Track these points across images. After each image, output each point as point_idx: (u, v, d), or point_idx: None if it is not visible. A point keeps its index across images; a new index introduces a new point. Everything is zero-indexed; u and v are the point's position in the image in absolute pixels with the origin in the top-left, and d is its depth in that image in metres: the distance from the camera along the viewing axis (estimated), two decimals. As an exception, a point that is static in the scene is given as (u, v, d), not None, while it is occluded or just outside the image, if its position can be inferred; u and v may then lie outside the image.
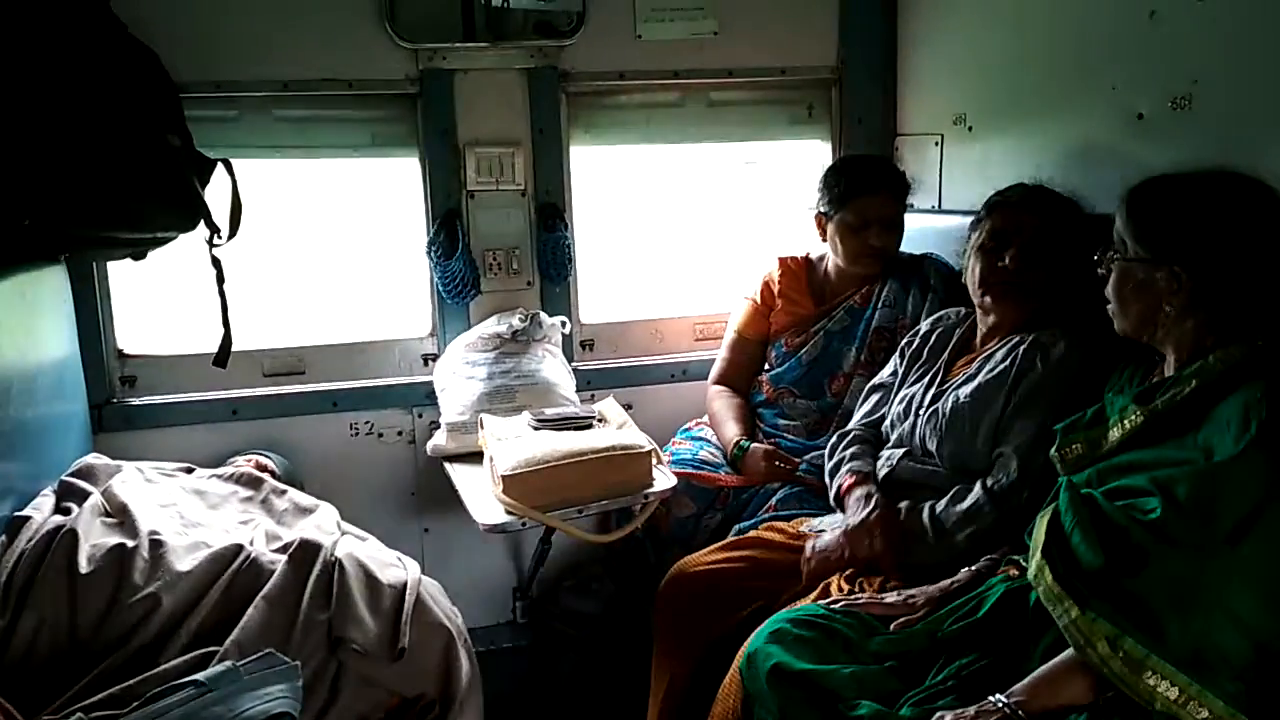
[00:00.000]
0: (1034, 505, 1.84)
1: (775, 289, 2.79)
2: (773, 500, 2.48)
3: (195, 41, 2.55)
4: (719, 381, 2.86)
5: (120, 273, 2.70)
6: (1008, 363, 2.09)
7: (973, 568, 1.93)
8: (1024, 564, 1.76)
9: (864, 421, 2.40)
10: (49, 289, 2.34)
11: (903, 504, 2.12)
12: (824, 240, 2.71)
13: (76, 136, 2.04)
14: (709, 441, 2.75)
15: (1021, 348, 2.09)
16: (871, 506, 2.13)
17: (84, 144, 2.05)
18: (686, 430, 2.86)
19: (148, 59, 2.23)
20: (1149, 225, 1.69)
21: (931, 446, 2.14)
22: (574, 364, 2.97)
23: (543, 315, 2.86)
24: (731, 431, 2.67)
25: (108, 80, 2.11)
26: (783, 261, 2.82)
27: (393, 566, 1.97)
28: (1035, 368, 2.05)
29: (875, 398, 2.42)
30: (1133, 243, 1.70)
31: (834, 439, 2.40)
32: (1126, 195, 1.75)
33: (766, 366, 2.79)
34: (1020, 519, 1.91)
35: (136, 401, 2.74)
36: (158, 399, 2.75)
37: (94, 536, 1.87)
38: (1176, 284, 1.64)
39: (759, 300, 2.82)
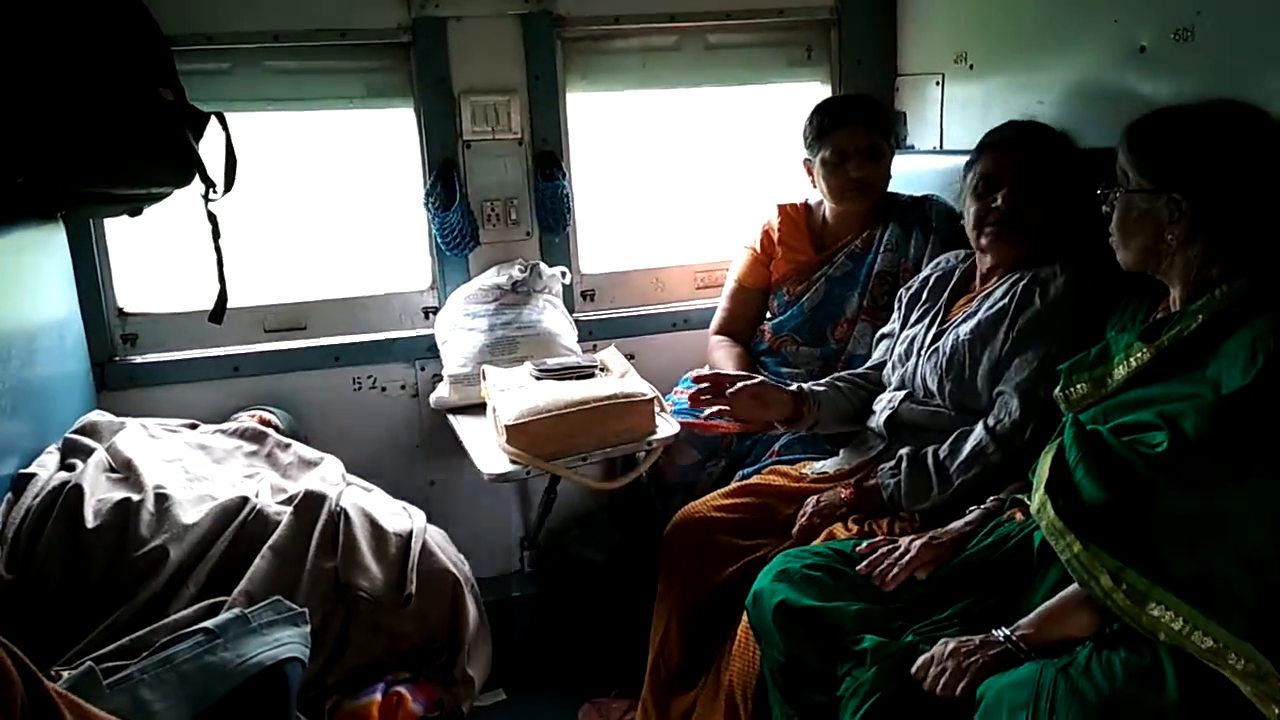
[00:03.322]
0: (1038, 442, 1.84)
1: (775, 237, 2.77)
2: (776, 445, 2.49)
3: (185, -8, 2.51)
4: (720, 331, 2.85)
5: (118, 231, 2.68)
6: (1007, 299, 2.08)
7: (982, 506, 1.93)
8: (1029, 502, 1.76)
9: (870, 366, 2.40)
10: (47, 247, 2.34)
11: (905, 450, 2.12)
12: (814, 186, 2.69)
13: (68, 91, 2.01)
14: None
15: (1020, 284, 2.08)
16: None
17: (76, 99, 2.02)
18: (688, 379, 2.85)
19: (137, 11, 2.19)
20: (1149, 155, 1.68)
21: (933, 386, 2.14)
22: (575, 314, 2.96)
23: (542, 266, 2.84)
24: None
25: (98, 33, 2.08)
26: (782, 209, 2.80)
27: (398, 515, 1.98)
28: (1034, 303, 2.04)
29: (884, 344, 2.41)
30: (1134, 174, 1.70)
31: None
32: (1127, 129, 1.74)
33: (769, 315, 2.78)
34: (1025, 456, 1.90)
35: (138, 359, 2.74)
36: (160, 356, 2.75)
37: (99, 491, 1.88)
38: (1178, 211, 1.63)
39: (759, 249, 2.80)
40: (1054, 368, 1.84)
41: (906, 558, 1.83)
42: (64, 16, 2.02)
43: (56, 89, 1.99)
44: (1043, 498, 1.61)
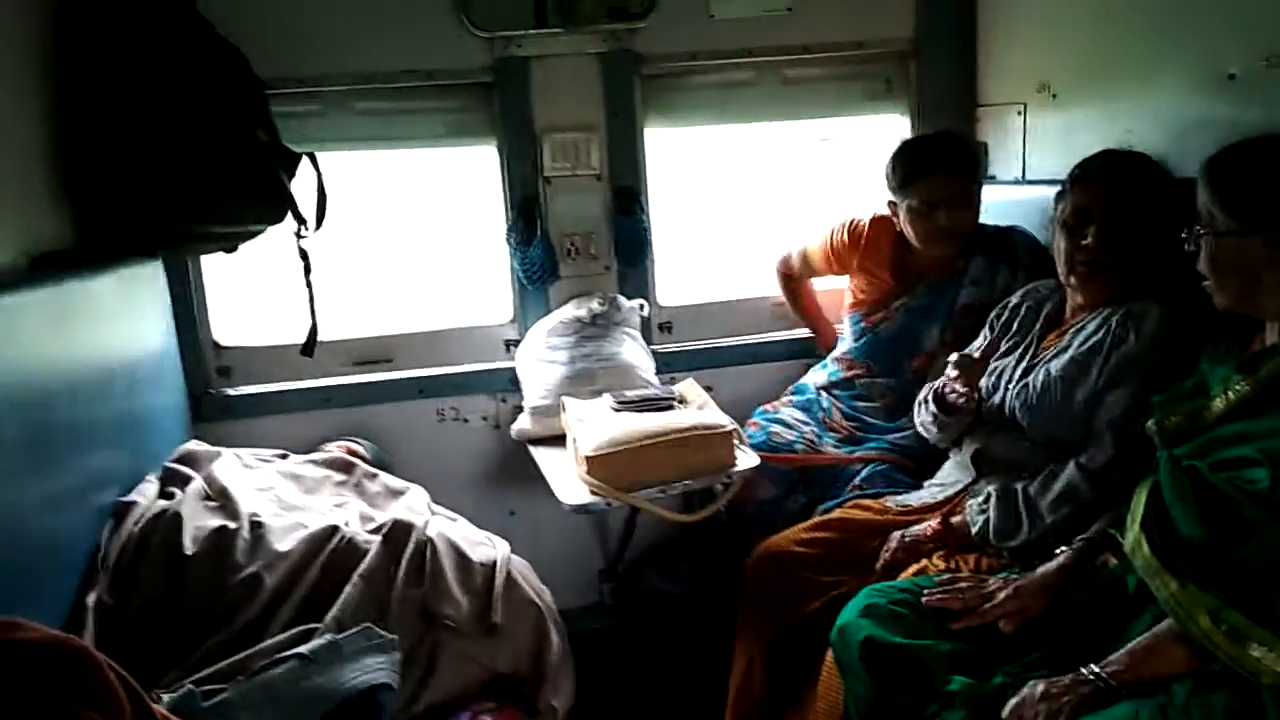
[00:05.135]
0: (1130, 480, 1.79)
1: (861, 244, 2.73)
2: (857, 479, 2.47)
3: (278, 38, 2.59)
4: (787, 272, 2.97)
5: (213, 266, 2.78)
6: (1101, 335, 2.03)
7: (1072, 548, 1.88)
8: (1120, 539, 1.72)
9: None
10: (147, 284, 2.43)
11: (993, 485, 2.08)
12: (899, 229, 2.64)
13: (170, 135, 2.10)
14: (783, 422, 2.72)
15: (1114, 319, 2.03)
16: None
17: (178, 143, 2.11)
18: (762, 411, 2.84)
19: (234, 57, 2.29)
20: (1235, 194, 1.62)
21: (1022, 420, 2.09)
22: (652, 346, 2.98)
23: (621, 299, 2.87)
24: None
25: (198, 79, 2.17)
26: (874, 221, 2.73)
27: (483, 545, 2.01)
28: (1129, 339, 1.98)
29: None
30: (1221, 215, 1.63)
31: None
32: (1207, 165, 1.67)
33: (842, 340, 2.76)
34: (1116, 493, 1.86)
35: (232, 391, 2.82)
36: (253, 389, 2.83)
37: (197, 519, 1.94)
38: (1273, 252, 1.57)
39: (846, 242, 2.76)
40: (1148, 404, 1.79)
41: (990, 604, 1.80)
42: (165, 65, 2.12)
43: (159, 134, 2.09)
44: (1138, 535, 1.57)
